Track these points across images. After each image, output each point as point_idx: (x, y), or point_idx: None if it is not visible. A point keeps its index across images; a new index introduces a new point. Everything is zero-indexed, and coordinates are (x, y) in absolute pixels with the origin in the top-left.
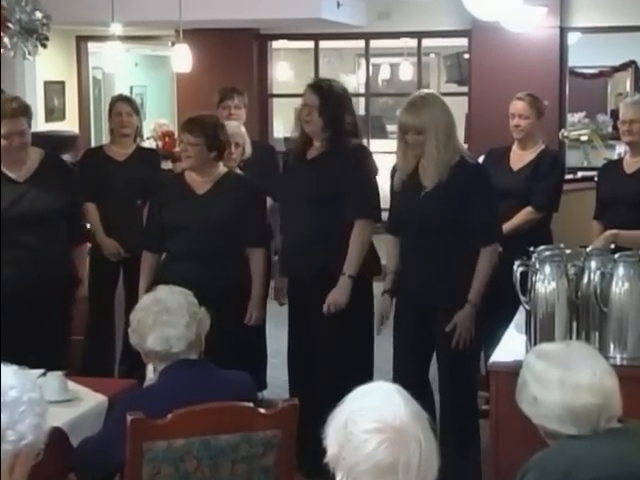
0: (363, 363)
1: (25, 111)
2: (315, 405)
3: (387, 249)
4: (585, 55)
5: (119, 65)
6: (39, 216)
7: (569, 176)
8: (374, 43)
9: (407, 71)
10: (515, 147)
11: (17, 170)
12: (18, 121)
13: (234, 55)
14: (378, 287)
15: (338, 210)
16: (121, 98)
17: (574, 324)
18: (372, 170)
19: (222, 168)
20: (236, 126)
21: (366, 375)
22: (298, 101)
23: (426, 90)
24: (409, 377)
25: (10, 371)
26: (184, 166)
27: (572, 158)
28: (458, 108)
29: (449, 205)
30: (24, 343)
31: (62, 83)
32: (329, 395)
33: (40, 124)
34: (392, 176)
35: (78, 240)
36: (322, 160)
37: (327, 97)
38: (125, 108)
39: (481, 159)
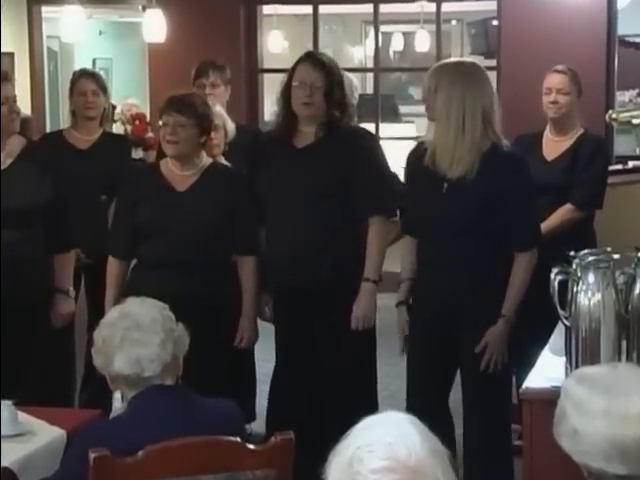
0: (365, 387)
1: (6, 76)
2: (310, 439)
3: (402, 252)
4: (638, 21)
5: (79, 34)
6: (10, 214)
7: (618, 166)
8: (384, 7)
9: (424, 41)
10: (548, 132)
11: None
12: (8, 85)
13: (217, 22)
14: (380, 298)
15: (343, 207)
16: (85, 74)
17: (623, 343)
18: (384, 159)
19: (206, 158)
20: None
21: (369, 402)
22: None
23: (466, 59)
24: (426, 404)
25: None
26: (168, 153)
27: (622, 145)
28: None
29: (477, 201)
30: None
31: (11, 55)
32: (331, 426)
33: None
34: (409, 162)
35: (61, 246)
36: (320, 149)
37: (332, 75)
38: (90, 86)
39: None
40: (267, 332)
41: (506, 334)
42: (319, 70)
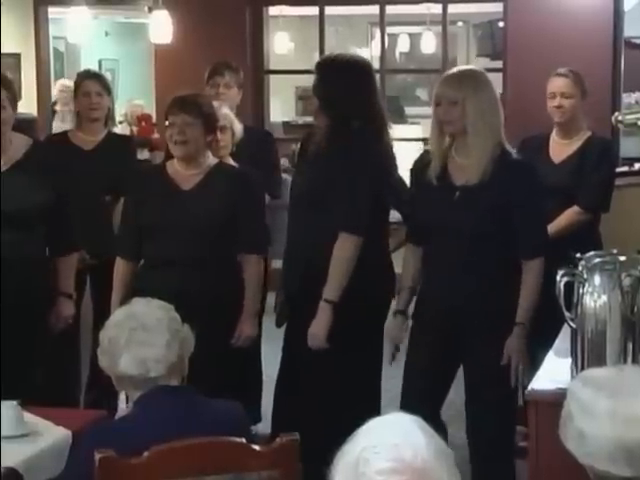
0: (368, 389)
1: (4, 82)
2: (315, 441)
3: (404, 260)
4: None
5: (85, 35)
6: (11, 215)
7: (623, 168)
8: (391, 9)
9: (430, 43)
10: (555, 135)
11: None
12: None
13: (223, 23)
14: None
15: (328, 217)
16: (89, 75)
17: (629, 345)
18: (364, 177)
19: (212, 158)
20: (216, 107)
21: (373, 404)
22: (299, 78)
23: (469, 66)
24: (418, 411)
25: None
26: (176, 155)
27: (628, 147)
28: None
29: (489, 208)
30: None
31: (17, 56)
32: (323, 432)
33: None
34: (415, 171)
35: (63, 249)
36: (320, 156)
37: (322, 74)
38: (94, 87)
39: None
40: (274, 334)
41: (523, 341)
42: (315, 69)
